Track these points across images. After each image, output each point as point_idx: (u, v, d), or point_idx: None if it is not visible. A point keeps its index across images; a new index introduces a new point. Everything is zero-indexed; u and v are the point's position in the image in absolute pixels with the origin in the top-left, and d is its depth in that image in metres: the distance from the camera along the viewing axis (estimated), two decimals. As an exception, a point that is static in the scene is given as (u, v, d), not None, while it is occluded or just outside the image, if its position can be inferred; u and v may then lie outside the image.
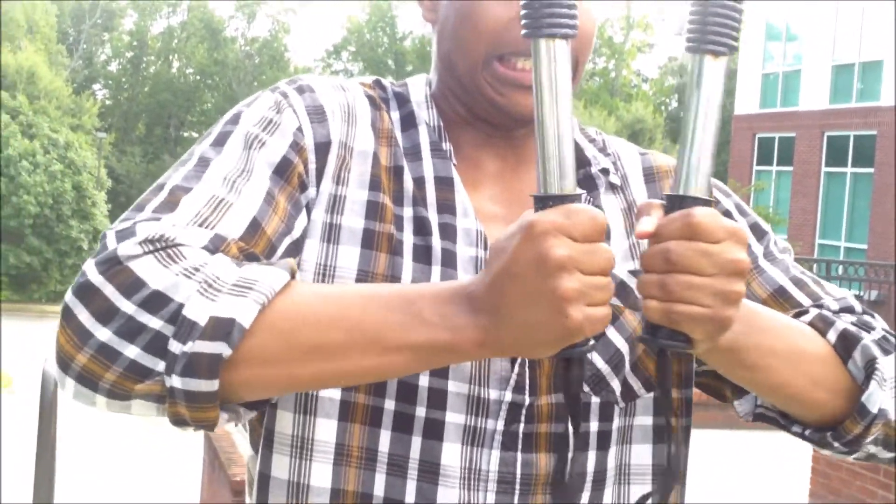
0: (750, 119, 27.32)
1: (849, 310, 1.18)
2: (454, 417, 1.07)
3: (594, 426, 1.11)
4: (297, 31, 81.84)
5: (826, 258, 13.95)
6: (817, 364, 1.07)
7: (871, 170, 23.16)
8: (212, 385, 0.89)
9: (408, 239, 1.10)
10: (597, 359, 1.10)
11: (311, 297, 0.94)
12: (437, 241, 1.10)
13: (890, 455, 1.12)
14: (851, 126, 23.77)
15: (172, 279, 0.90)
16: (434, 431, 1.07)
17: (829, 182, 24.71)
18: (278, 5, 50.12)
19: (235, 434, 5.84)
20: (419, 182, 1.13)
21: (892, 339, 1.13)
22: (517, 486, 1.07)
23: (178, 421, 0.93)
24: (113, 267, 0.91)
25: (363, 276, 1.08)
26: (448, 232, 1.11)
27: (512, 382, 1.08)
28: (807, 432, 1.11)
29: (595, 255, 0.87)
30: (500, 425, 1.07)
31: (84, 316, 0.91)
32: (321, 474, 1.08)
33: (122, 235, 0.93)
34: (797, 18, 25.65)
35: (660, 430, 1.16)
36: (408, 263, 1.09)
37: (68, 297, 0.92)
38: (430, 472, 1.06)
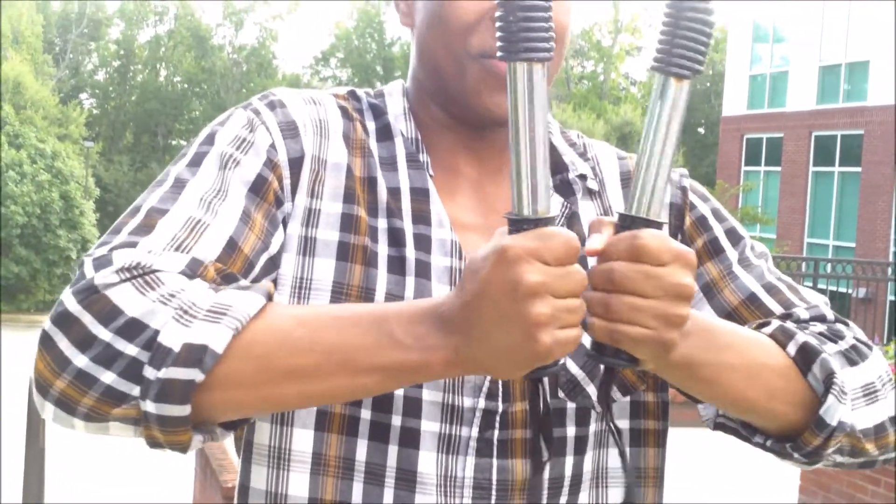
0: (738, 120, 27.41)
1: (820, 318, 1.16)
2: (429, 426, 1.08)
3: (571, 431, 1.12)
4: (284, 39, 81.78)
5: (815, 256, 13.98)
6: (775, 377, 1.06)
7: (858, 169, 23.25)
8: (184, 410, 0.90)
9: (382, 250, 1.10)
10: (571, 365, 1.11)
11: (285, 320, 0.94)
12: (411, 252, 1.11)
13: (857, 461, 1.12)
14: (839, 126, 23.86)
15: (149, 306, 0.91)
16: (410, 440, 1.07)
17: (817, 181, 24.80)
18: (266, 12, 50.12)
19: (226, 441, 5.80)
20: (394, 193, 1.13)
21: (864, 347, 1.12)
22: (493, 492, 1.08)
23: (153, 444, 0.95)
24: (91, 296, 0.92)
25: (339, 287, 1.08)
26: (422, 243, 1.12)
27: (485, 390, 1.09)
28: (767, 443, 1.10)
29: (567, 279, 0.88)
30: (475, 432, 1.08)
31: (63, 344, 0.92)
32: (298, 484, 1.08)
33: (100, 263, 0.94)
34: (784, 20, 25.75)
35: (636, 433, 1.16)
36: (382, 274, 1.09)
37: (47, 325, 0.93)
38: (408, 479, 1.07)
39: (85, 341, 0.91)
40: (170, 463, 7.42)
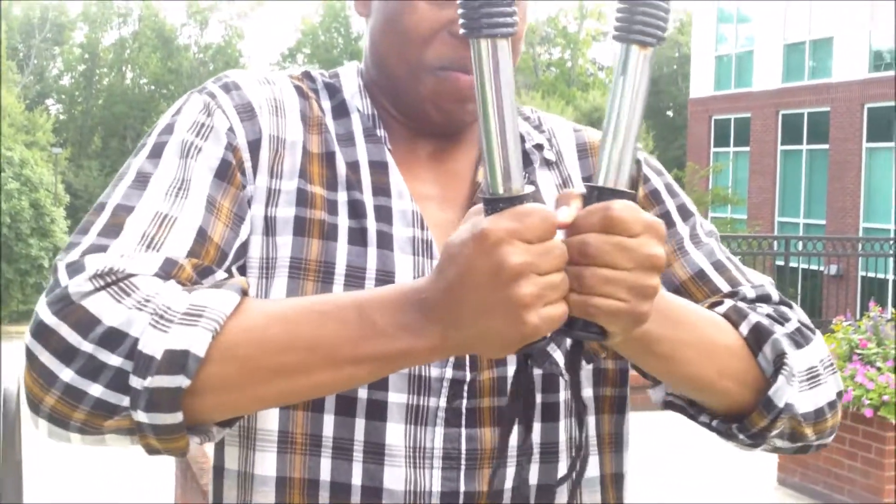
0: (705, 102, 27.52)
1: (765, 298, 1.17)
2: (396, 397, 1.08)
3: (538, 398, 1.12)
4: (251, 36, 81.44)
5: (785, 235, 14.06)
6: (728, 356, 1.06)
7: (826, 146, 23.42)
8: (175, 417, 0.90)
9: (343, 223, 1.10)
10: None
11: (264, 318, 0.94)
12: (371, 224, 1.10)
13: (793, 447, 1.13)
14: (805, 104, 24.01)
15: (126, 314, 0.90)
16: (377, 412, 1.07)
17: (786, 160, 24.95)
18: (230, 10, 49.85)
19: (207, 444, 5.79)
20: (353, 166, 1.13)
21: (808, 331, 1.12)
22: (463, 462, 1.08)
23: (151, 451, 0.95)
24: (67, 306, 0.91)
25: (296, 262, 1.08)
26: (383, 214, 1.11)
27: (451, 360, 1.09)
28: (714, 423, 1.11)
29: (549, 255, 0.87)
30: (443, 402, 1.08)
31: (45, 357, 0.91)
32: (267, 463, 1.08)
33: (73, 270, 0.93)
34: (748, 0, 25.87)
35: (596, 400, 1.17)
36: (342, 246, 1.09)
37: (27, 339, 0.92)
38: (376, 452, 1.07)
39: (67, 353, 0.90)
40: (151, 466, 7.40)
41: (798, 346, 1.09)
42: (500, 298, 0.86)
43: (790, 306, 1.17)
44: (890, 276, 14.87)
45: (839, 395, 1.13)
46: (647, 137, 33.12)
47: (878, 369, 5.65)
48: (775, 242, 11.55)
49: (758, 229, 23.34)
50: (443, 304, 0.90)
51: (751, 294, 1.16)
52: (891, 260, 10.85)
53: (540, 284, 0.86)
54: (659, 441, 6.61)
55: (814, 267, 17.47)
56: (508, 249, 0.85)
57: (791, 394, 1.06)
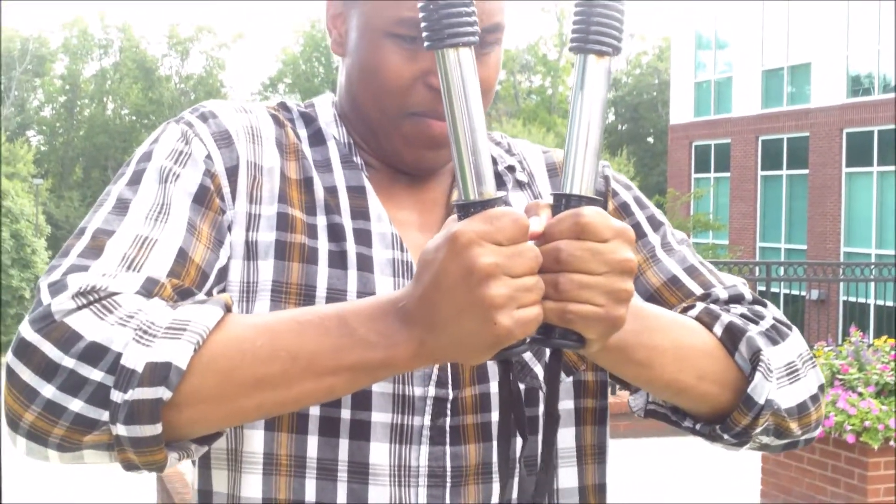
0: (686, 128, 27.71)
1: (738, 298, 1.18)
2: (380, 417, 1.09)
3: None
4: (232, 66, 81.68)
5: (767, 260, 14.10)
6: (704, 358, 1.07)
7: (805, 171, 23.59)
8: (155, 429, 0.91)
9: (323, 246, 1.11)
10: None
11: (246, 330, 0.95)
12: (351, 247, 1.12)
13: (781, 443, 1.14)
14: (784, 129, 24.21)
15: (108, 329, 0.91)
16: (361, 432, 1.08)
17: (766, 185, 25.12)
18: (211, 41, 49.98)
19: (187, 474, 5.78)
20: (331, 191, 1.15)
21: (784, 327, 1.14)
22: (448, 479, 1.10)
23: (129, 466, 0.95)
24: (49, 324, 0.92)
25: (278, 286, 1.09)
26: (363, 237, 1.13)
27: (434, 378, 1.10)
28: (697, 426, 1.12)
29: (521, 257, 0.88)
30: (427, 420, 1.09)
31: (27, 374, 0.91)
32: (252, 485, 1.09)
33: (55, 289, 0.94)
34: (725, 26, 26.12)
35: (577, 412, 1.18)
36: (323, 270, 1.10)
37: (9, 357, 0.93)
38: (360, 472, 1.08)
39: (48, 370, 0.91)
40: (131, 498, 7.33)
41: (774, 342, 1.11)
42: (471, 300, 0.87)
43: (764, 305, 1.18)
44: (871, 301, 14.95)
45: (821, 388, 1.15)
46: (628, 164, 33.25)
47: (860, 395, 5.67)
48: (757, 268, 11.59)
49: (739, 255, 23.46)
50: (419, 310, 0.91)
51: (723, 295, 1.18)
52: (872, 284, 10.88)
53: (512, 286, 0.87)
54: (638, 472, 6.60)
55: (795, 292, 17.55)
56: (479, 251, 0.87)
57: (771, 389, 1.07)
